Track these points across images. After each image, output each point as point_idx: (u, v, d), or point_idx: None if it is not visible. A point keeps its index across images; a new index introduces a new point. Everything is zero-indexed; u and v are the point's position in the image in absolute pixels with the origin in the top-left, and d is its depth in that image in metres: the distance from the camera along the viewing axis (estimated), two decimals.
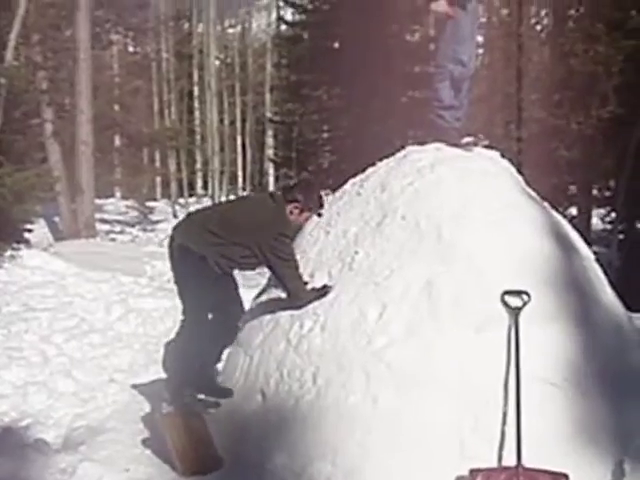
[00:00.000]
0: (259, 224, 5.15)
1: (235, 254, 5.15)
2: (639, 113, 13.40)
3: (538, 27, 21.14)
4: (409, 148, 5.75)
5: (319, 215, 5.46)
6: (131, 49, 41.49)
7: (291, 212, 5.25)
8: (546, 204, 5.46)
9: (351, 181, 5.88)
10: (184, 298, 5.42)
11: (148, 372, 7.71)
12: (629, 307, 5.56)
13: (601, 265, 5.32)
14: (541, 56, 21.81)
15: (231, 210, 5.54)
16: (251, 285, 8.40)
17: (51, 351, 8.12)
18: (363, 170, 5.86)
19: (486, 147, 5.95)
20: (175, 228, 5.48)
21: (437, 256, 4.73)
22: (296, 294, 5.13)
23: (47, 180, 16.45)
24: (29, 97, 17.56)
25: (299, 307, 5.08)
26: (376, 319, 4.61)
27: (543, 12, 21.02)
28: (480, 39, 21.55)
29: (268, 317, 5.38)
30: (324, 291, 5.03)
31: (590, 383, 4.42)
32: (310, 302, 5.03)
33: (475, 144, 5.79)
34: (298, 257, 5.36)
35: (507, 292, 4.48)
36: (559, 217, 5.46)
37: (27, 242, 13.84)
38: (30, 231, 14.36)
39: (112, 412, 6.52)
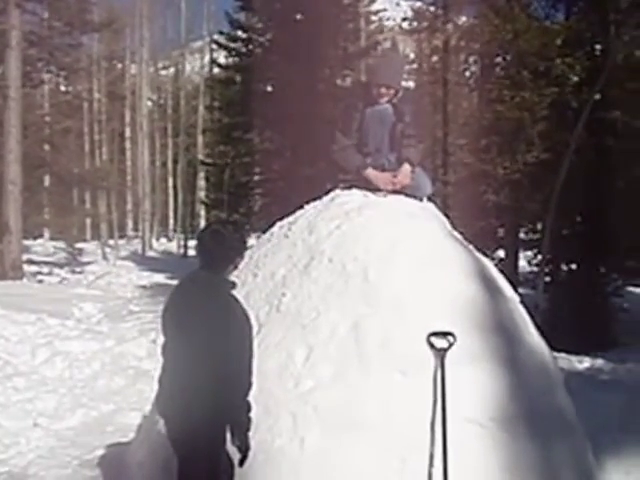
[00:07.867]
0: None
1: None
2: (563, 158, 13.72)
3: (467, 74, 21.54)
4: (337, 191, 5.78)
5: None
6: (63, 88, 41.18)
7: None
8: (471, 247, 5.54)
9: (279, 224, 5.87)
10: None
11: (74, 416, 7.58)
12: (554, 347, 5.67)
13: (527, 306, 5.41)
14: (470, 102, 22.27)
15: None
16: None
17: None
18: (291, 213, 5.88)
19: None
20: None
21: (363, 298, 4.74)
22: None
23: None
24: None
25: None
26: (303, 361, 4.60)
27: (471, 59, 21.44)
28: (411, 85, 21.96)
29: None
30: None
31: (516, 423, 4.46)
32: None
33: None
34: None
35: (433, 334, 4.51)
36: (484, 259, 5.53)
37: None
38: None
39: (35, 457, 6.39)
